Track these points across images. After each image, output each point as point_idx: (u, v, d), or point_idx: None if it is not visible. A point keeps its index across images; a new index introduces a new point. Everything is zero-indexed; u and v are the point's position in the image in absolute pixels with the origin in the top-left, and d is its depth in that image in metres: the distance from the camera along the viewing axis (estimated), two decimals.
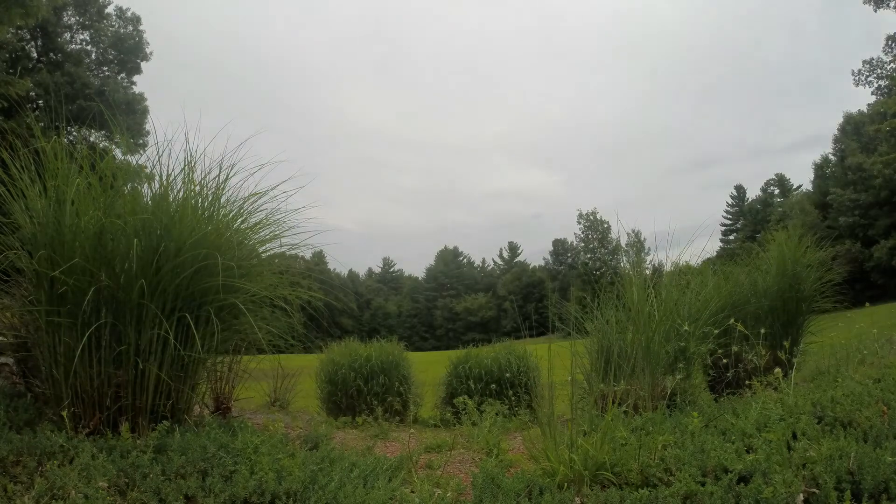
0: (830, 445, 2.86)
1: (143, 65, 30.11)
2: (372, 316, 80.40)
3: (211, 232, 4.15)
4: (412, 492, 3.02)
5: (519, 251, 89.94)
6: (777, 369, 4.21)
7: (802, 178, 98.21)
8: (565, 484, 2.99)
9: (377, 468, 3.42)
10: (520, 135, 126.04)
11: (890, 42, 28.72)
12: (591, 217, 70.01)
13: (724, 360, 5.57)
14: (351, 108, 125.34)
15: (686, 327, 4.94)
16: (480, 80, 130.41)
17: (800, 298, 6.58)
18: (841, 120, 50.66)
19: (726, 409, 4.14)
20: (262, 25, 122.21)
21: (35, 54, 27.78)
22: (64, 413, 3.50)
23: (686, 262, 6.38)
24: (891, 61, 29.47)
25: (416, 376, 7.81)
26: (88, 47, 29.29)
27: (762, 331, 5.52)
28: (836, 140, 50.76)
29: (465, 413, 5.72)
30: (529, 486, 2.86)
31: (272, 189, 4.50)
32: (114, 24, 29.54)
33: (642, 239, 8.63)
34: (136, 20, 29.83)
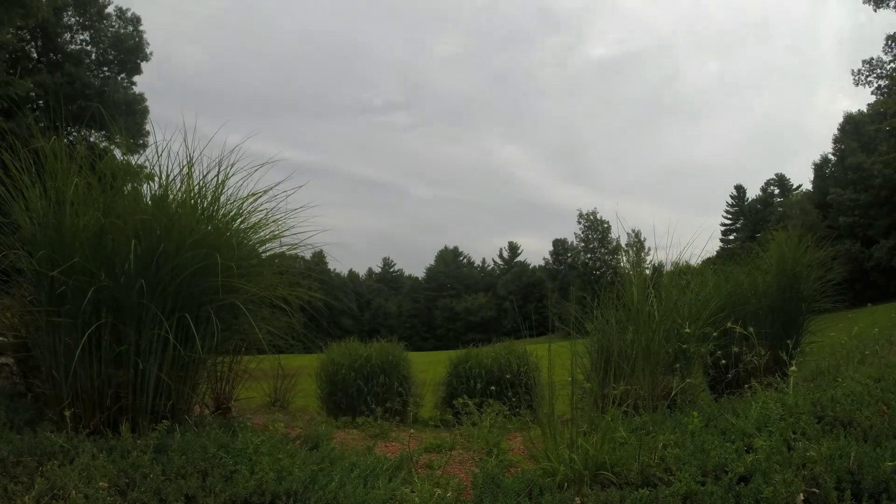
0: (830, 445, 2.85)
1: (143, 65, 30.13)
2: (372, 316, 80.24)
3: (210, 232, 4.16)
4: (412, 492, 3.02)
5: (519, 251, 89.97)
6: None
7: (802, 178, 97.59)
8: (565, 484, 2.99)
9: (377, 468, 3.41)
10: None
11: (890, 42, 28.76)
12: (591, 217, 69.97)
13: (724, 361, 5.57)
14: None
15: (687, 329, 4.94)
16: None
17: (800, 298, 6.57)
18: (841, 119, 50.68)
19: (726, 409, 4.14)
20: None
21: (35, 54, 27.75)
22: (64, 413, 3.50)
23: (686, 261, 6.39)
24: (891, 61, 29.52)
25: (416, 376, 7.80)
26: (88, 47, 29.23)
27: (758, 330, 5.51)
28: (836, 140, 50.71)
29: (466, 413, 5.71)
30: (529, 486, 2.86)
31: (272, 188, 4.52)
32: (114, 24, 29.49)
33: (642, 239, 8.65)
34: (136, 20, 29.79)
